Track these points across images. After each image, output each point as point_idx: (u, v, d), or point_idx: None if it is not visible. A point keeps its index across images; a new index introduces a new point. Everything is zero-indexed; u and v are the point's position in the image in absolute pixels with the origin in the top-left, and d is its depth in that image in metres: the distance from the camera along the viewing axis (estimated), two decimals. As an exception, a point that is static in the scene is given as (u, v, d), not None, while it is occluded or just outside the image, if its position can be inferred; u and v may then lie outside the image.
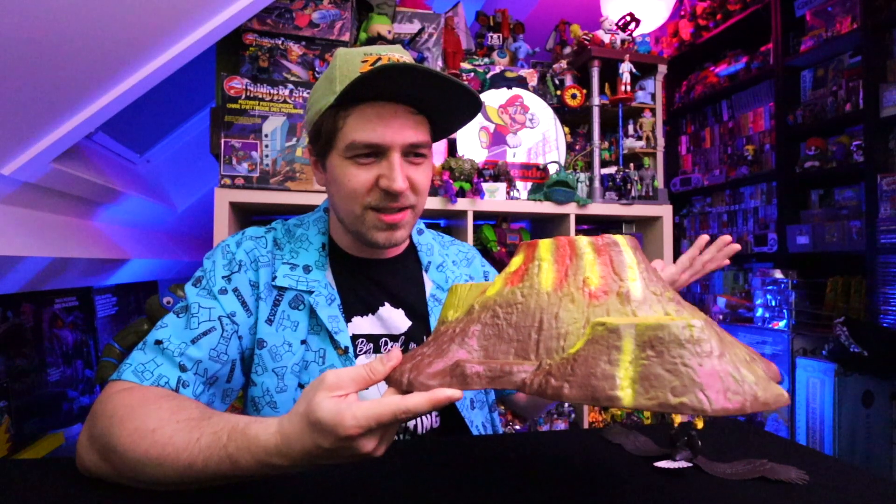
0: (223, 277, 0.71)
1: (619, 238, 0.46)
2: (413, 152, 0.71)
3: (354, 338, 0.74)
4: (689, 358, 0.34)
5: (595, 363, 0.36)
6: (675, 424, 0.63)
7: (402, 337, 0.77)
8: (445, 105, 0.70)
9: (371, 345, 0.75)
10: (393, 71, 0.62)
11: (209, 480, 0.51)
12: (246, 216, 1.64)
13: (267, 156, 1.42)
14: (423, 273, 0.84)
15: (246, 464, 0.48)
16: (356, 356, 0.74)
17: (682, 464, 0.59)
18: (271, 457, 0.47)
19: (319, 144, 0.73)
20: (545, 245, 0.47)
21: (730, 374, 0.34)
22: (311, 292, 0.73)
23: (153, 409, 0.56)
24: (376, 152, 0.69)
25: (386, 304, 0.78)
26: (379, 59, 0.68)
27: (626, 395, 0.34)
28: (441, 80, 0.64)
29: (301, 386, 0.72)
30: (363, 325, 0.76)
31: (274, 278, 0.73)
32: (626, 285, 0.43)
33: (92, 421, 0.58)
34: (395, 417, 0.42)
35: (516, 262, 0.49)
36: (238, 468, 0.48)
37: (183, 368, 0.64)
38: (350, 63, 0.69)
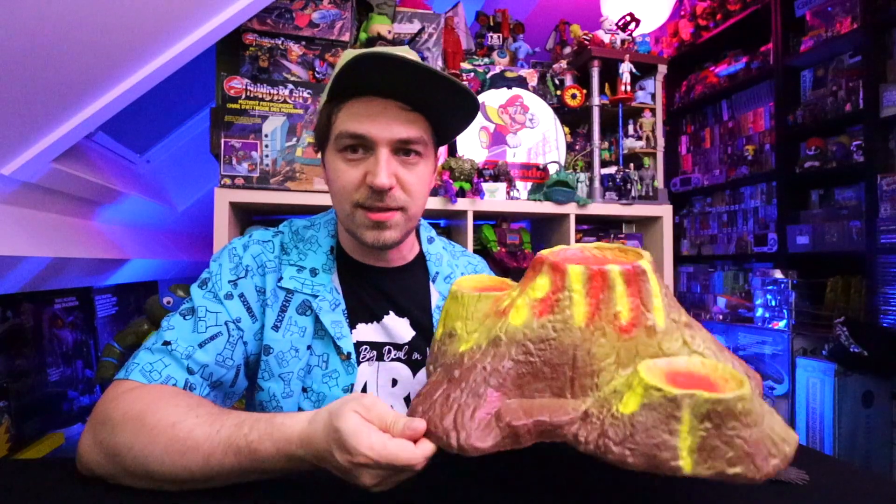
0: (229, 282, 0.71)
1: (644, 264, 0.45)
2: (404, 149, 0.69)
3: (358, 345, 0.74)
4: (742, 430, 0.36)
5: (656, 433, 0.37)
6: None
7: (406, 346, 0.77)
8: (440, 103, 0.69)
9: (374, 352, 0.75)
10: (371, 61, 0.62)
11: (224, 476, 0.51)
12: (246, 216, 1.64)
13: (267, 156, 1.42)
14: (431, 283, 0.82)
15: (265, 451, 0.49)
16: (359, 363, 0.74)
17: (683, 464, 0.59)
18: (292, 445, 0.48)
19: (318, 139, 0.74)
20: (576, 275, 0.44)
21: (769, 437, 0.37)
22: (315, 296, 0.72)
23: (171, 405, 0.56)
24: (364, 146, 0.68)
25: (391, 312, 0.77)
26: None
27: (685, 464, 0.36)
28: (427, 74, 0.63)
29: (305, 390, 0.72)
30: (367, 332, 0.76)
31: (280, 280, 0.72)
32: (652, 317, 0.44)
33: (98, 422, 0.57)
34: (408, 466, 0.44)
35: (542, 286, 0.46)
36: (256, 458, 0.49)
37: (190, 371, 0.64)
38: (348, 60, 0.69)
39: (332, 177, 0.71)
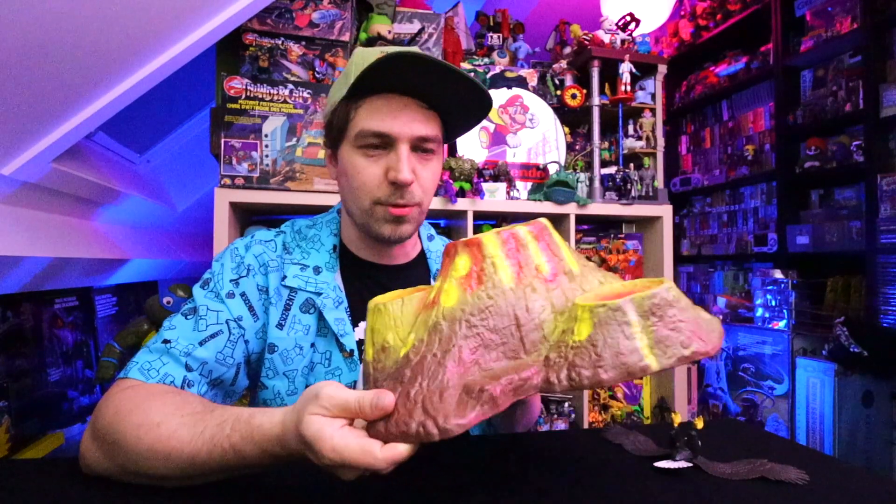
0: (231, 281, 0.71)
1: (543, 221, 0.49)
2: (421, 147, 0.71)
3: (360, 342, 0.75)
4: (680, 314, 0.40)
5: (615, 342, 0.39)
6: (675, 424, 0.63)
7: None
8: (456, 101, 0.70)
9: None
10: (402, 60, 0.63)
11: (213, 473, 0.51)
12: (246, 216, 1.64)
13: (267, 156, 1.42)
14: (432, 280, 0.84)
15: (250, 452, 0.48)
16: (361, 360, 0.74)
17: (682, 464, 0.59)
18: (273, 445, 0.48)
19: (332, 136, 0.74)
20: (492, 242, 0.47)
21: (702, 317, 0.42)
22: (319, 294, 0.73)
23: (158, 404, 0.56)
24: (385, 143, 0.70)
25: None
26: None
27: (651, 360, 0.39)
28: (450, 73, 0.65)
29: (308, 388, 0.72)
30: None
31: (284, 278, 0.73)
32: (567, 264, 0.47)
33: (96, 419, 0.58)
34: (371, 468, 0.42)
35: (463, 265, 0.47)
36: (241, 458, 0.49)
37: (189, 368, 0.65)
38: (366, 59, 0.70)
39: (350, 173, 0.72)
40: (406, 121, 0.69)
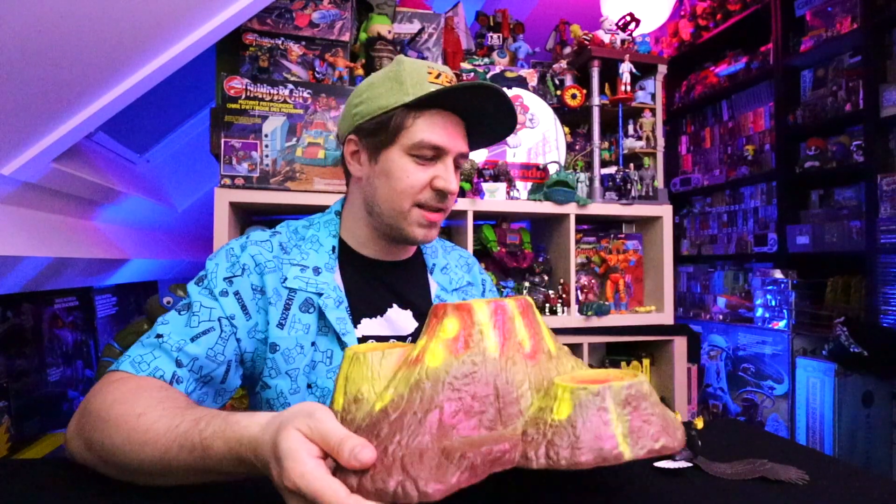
0: (225, 279, 0.72)
1: (528, 298, 0.51)
2: (457, 161, 0.79)
3: (363, 339, 0.77)
4: (651, 408, 0.41)
5: (593, 427, 0.40)
6: (675, 424, 0.63)
7: (409, 338, 0.80)
8: (490, 125, 0.82)
9: None
10: (481, 90, 0.74)
11: (181, 472, 0.49)
12: (246, 216, 1.64)
13: (267, 156, 1.42)
14: (429, 275, 0.88)
15: (217, 450, 0.46)
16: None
17: (682, 464, 0.59)
18: (241, 446, 0.45)
19: (378, 138, 0.77)
20: (482, 311, 0.47)
21: (666, 414, 0.43)
22: (320, 294, 0.75)
23: (143, 396, 0.56)
24: (437, 155, 0.76)
25: (394, 305, 0.81)
26: (440, 74, 0.77)
27: (624, 449, 0.39)
28: (506, 106, 0.78)
29: (310, 386, 0.73)
30: (372, 326, 0.78)
31: (284, 280, 0.74)
32: (546, 345, 0.49)
33: (82, 410, 0.59)
34: None
35: (451, 328, 0.47)
36: (208, 457, 0.47)
37: (179, 364, 0.65)
38: (418, 72, 0.76)
39: (398, 175, 0.76)
40: (455, 137, 0.77)
